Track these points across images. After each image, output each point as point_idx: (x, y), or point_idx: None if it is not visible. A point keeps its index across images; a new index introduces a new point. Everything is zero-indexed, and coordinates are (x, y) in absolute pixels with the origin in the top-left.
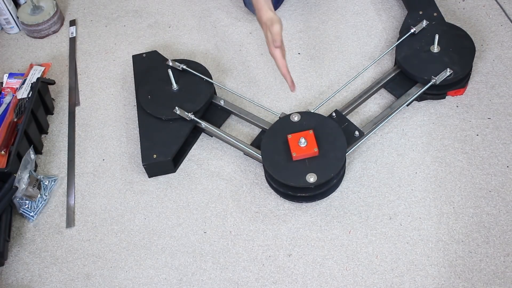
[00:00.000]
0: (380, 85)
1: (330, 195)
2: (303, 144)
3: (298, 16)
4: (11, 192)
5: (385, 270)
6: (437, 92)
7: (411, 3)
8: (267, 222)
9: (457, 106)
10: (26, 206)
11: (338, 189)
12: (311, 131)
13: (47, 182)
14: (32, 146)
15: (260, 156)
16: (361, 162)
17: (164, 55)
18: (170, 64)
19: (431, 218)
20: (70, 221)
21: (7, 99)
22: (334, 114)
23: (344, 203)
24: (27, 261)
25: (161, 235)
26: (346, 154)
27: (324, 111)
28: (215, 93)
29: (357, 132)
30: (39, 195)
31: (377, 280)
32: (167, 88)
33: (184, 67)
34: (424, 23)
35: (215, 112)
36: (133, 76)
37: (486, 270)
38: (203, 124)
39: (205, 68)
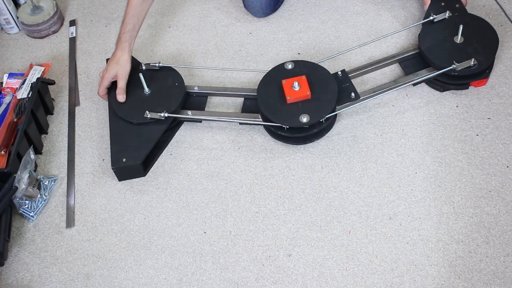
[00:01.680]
0: (396, 59)
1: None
2: (296, 88)
3: (298, 16)
4: (11, 192)
5: (385, 270)
6: (461, 82)
7: None
8: (267, 222)
9: (457, 106)
10: (26, 206)
11: (338, 189)
12: (304, 76)
13: (47, 182)
14: (32, 146)
15: (256, 120)
16: (361, 162)
17: (163, 55)
18: (144, 68)
19: (431, 218)
20: (70, 221)
21: (7, 99)
22: (340, 73)
23: (344, 203)
24: (27, 261)
25: (161, 235)
26: (338, 112)
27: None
28: (188, 94)
29: (353, 94)
30: (39, 195)
31: (377, 280)
32: (138, 92)
33: (157, 67)
34: (447, 14)
35: (193, 101)
36: None
37: (486, 270)
38: (186, 114)
39: (176, 71)
